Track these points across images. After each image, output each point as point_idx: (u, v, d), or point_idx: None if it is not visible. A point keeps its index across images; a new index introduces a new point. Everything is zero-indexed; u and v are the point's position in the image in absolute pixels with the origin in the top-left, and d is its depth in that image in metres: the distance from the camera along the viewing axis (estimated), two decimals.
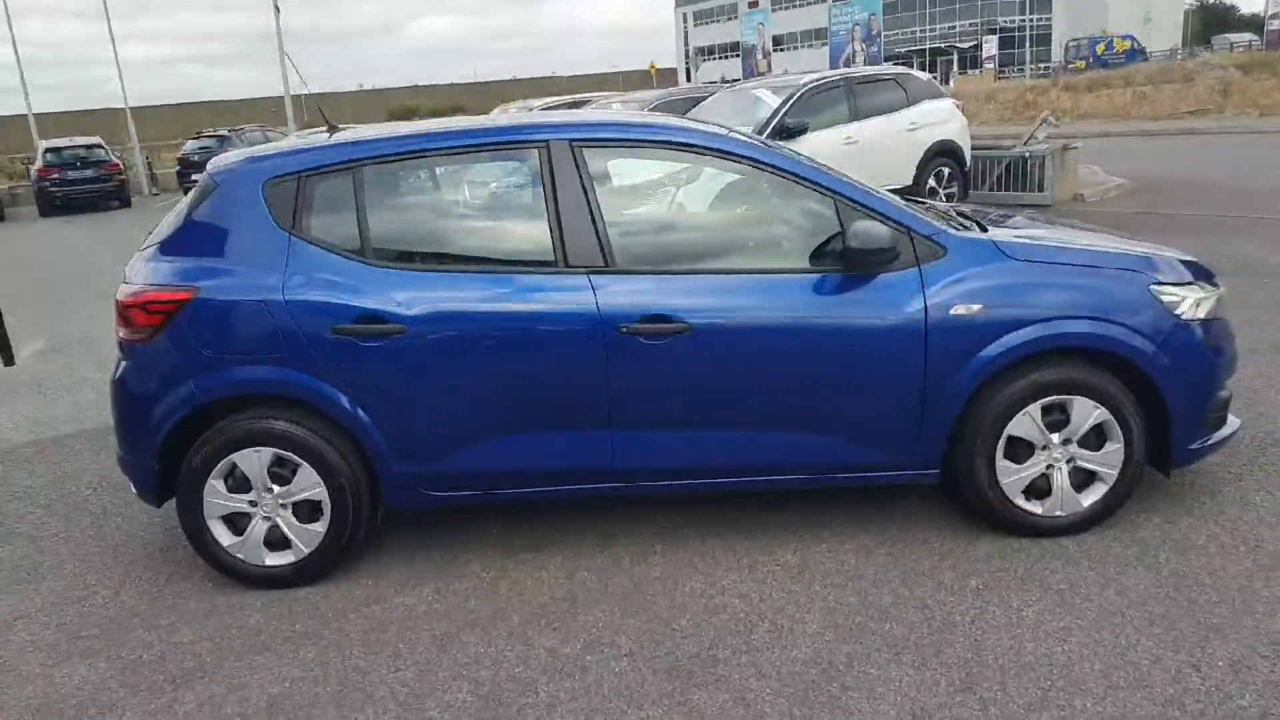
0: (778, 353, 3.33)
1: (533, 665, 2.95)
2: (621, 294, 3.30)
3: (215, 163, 3.55)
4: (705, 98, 10.75)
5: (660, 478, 3.50)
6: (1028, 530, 3.48)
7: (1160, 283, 3.39)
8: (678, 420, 3.39)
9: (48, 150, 23.13)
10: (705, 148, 3.47)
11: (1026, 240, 3.50)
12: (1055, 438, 3.41)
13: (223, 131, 26.02)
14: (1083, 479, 3.46)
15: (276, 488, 3.40)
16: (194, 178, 20.53)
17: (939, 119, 10.55)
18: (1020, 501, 3.46)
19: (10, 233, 20.16)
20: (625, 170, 8.82)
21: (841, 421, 3.40)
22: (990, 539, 3.50)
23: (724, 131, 3.58)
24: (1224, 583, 3.12)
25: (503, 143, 3.46)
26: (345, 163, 3.40)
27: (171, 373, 3.33)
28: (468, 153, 3.48)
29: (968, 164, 10.98)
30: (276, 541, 3.45)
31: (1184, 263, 3.56)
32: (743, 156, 3.44)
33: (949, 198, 10.72)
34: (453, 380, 3.33)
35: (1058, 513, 3.47)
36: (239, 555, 3.45)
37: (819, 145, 9.47)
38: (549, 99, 14.18)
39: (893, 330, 3.30)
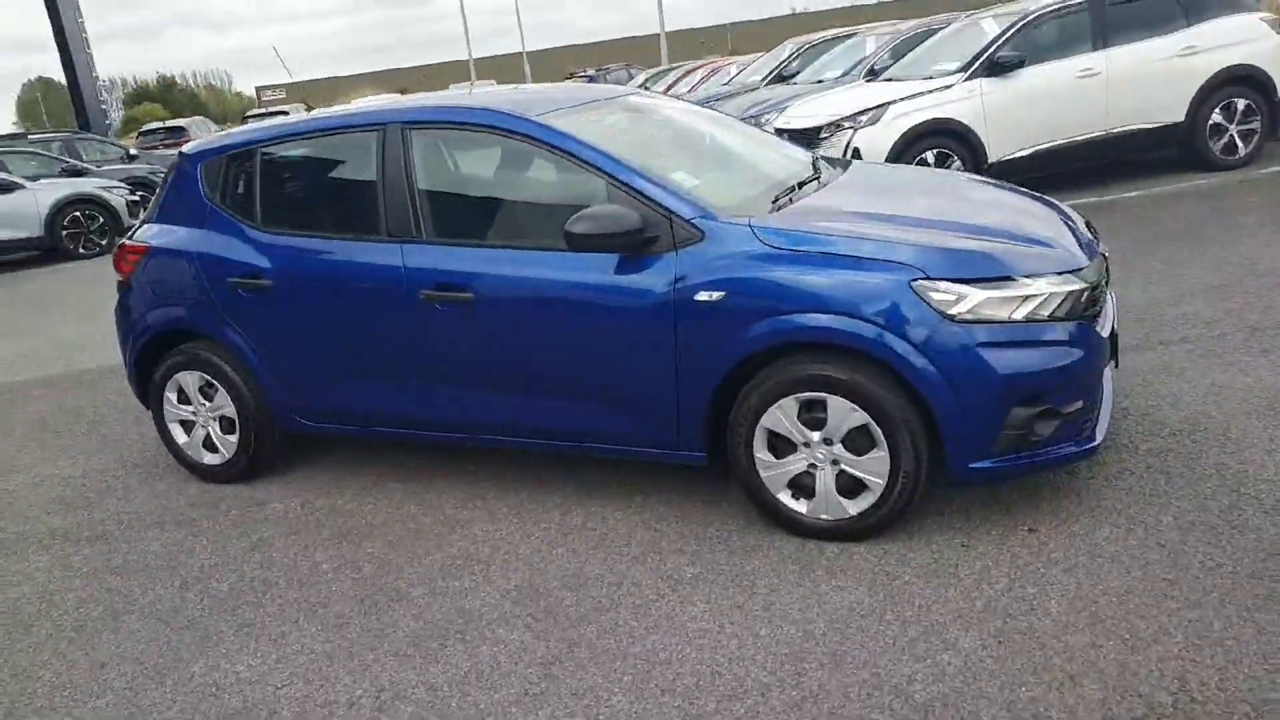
0: (551, 325, 3.50)
1: (291, 571, 3.55)
2: (423, 262, 3.67)
3: (186, 146, 4.45)
4: (938, 30, 9.91)
5: (475, 431, 3.85)
6: (796, 529, 3.34)
7: (930, 278, 3.00)
8: (476, 380, 3.71)
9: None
10: (490, 126, 3.64)
11: (792, 226, 3.25)
12: (815, 436, 3.21)
13: (590, 71, 28.25)
14: (853, 484, 3.23)
15: (207, 403, 4.30)
16: None
17: (1231, 40, 8.70)
18: (784, 497, 3.32)
19: None
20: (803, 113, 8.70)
21: (612, 396, 3.49)
22: (765, 532, 3.40)
23: (512, 110, 3.66)
24: (901, 616, 2.83)
25: (356, 126, 3.93)
26: (248, 144, 4.12)
27: (136, 308, 4.35)
28: (331, 135, 4.00)
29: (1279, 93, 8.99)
30: (210, 445, 4.37)
31: (1006, 255, 3.10)
32: (522, 135, 3.56)
33: (1245, 136, 8.93)
34: (305, 329, 3.96)
35: (822, 516, 3.28)
36: (189, 452, 4.43)
37: (1043, 80, 8.44)
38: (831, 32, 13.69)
39: (647, 312, 3.31)
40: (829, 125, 8.74)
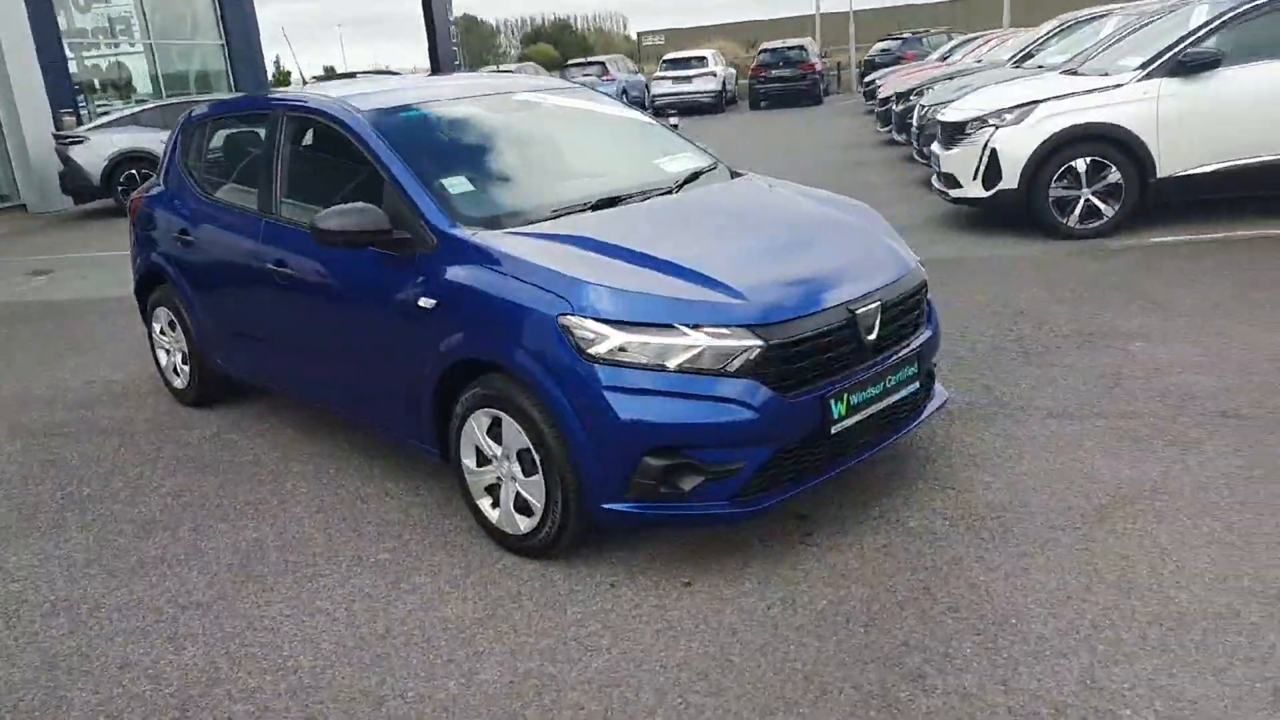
0: (340, 306, 3.79)
1: (137, 489, 4.16)
2: (271, 238, 4.10)
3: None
4: (1149, 23, 8.51)
5: (307, 395, 4.27)
6: (490, 534, 3.41)
7: (576, 315, 2.91)
8: (301, 346, 4.13)
9: (763, 50, 26.70)
10: (323, 115, 3.93)
11: (499, 247, 3.21)
12: (499, 451, 3.25)
13: (907, 34, 26.85)
14: (525, 502, 3.23)
15: (174, 335, 5.08)
16: (870, 78, 21.94)
17: None
18: (483, 503, 3.40)
19: (718, 122, 24.18)
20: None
21: (378, 381, 3.73)
22: (481, 534, 3.50)
23: (343, 103, 3.89)
24: (471, 639, 2.84)
25: (266, 109, 4.39)
26: (204, 117, 4.78)
27: (135, 250, 5.21)
28: (249, 114, 4.53)
29: None
30: (176, 371, 5.16)
31: (670, 302, 2.92)
32: (342, 127, 3.80)
33: None
34: (209, 284, 4.57)
35: (505, 527, 3.32)
36: (166, 375, 5.27)
37: (1247, 82, 7.08)
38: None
39: (395, 309, 3.48)
40: (974, 121, 7.98)
